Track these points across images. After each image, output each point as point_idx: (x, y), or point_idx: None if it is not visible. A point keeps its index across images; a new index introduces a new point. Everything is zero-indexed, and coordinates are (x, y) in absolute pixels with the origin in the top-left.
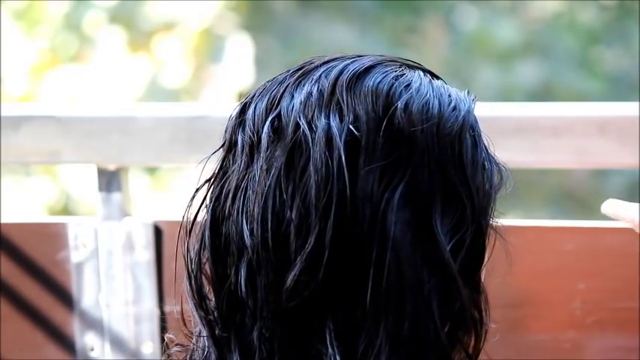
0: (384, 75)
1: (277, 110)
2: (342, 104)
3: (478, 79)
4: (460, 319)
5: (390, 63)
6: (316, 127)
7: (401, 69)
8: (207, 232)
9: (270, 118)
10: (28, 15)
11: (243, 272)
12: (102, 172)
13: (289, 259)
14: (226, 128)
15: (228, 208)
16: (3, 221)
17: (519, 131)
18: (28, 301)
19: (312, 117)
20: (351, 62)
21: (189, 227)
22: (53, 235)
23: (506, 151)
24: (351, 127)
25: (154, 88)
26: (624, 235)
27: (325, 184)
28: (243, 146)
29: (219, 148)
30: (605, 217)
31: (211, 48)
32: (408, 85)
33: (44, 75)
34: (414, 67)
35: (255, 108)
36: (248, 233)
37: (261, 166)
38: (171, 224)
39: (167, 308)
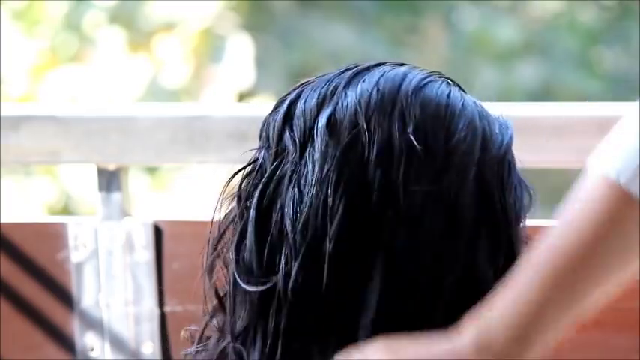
0: (441, 91)
1: (332, 107)
2: (405, 112)
3: (478, 79)
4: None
5: (437, 78)
6: (375, 130)
7: (448, 86)
8: (251, 226)
9: (324, 114)
10: (28, 15)
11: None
12: (102, 172)
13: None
14: (266, 124)
15: (276, 200)
16: (3, 221)
17: (519, 131)
18: (28, 301)
19: (372, 119)
20: (408, 71)
21: (223, 228)
22: (53, 235)
23: None
24: (412, 137)
25: (154, 88)
26: None
27: (380, 189)
28: (293, 141)
29: (260, 148)
30: None
31: (211, 48)
32: (462, 104)
33: (44, 75)
34: (450, 82)
35: (304, 104)
36: (289, 227)
37: (314, 161)
38: (172, 224)
39: (168, 308)
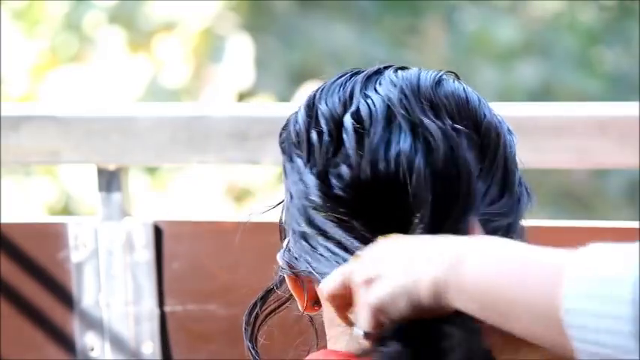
0: (457, 86)
1: (355, 106)
2: (434, 104)
3: (478, 79)
4: None
5: (447, 75)
6: (414, 122)
7: (460, 82)
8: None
9: (350, 113)
10: (28, 15)
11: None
12: (102, 172)
13: None
14: (289, 124)
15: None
16: (3, 221)
17: (519, 131)
18: (28, 301)
19: (407, 112)
20: (419, 71)
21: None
22: (53, 235)
23: None
24: (456, 127)
25: (154, 88)
26: (624, 235)
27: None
28: (329, 134)
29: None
30: (605, 217)
31: (211, 48)
32: (477, 97)
33: (44, 75)
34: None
35: (326, 104)
36: None
37: (354, 153)
38: (172, 224)
39: (167, 308)
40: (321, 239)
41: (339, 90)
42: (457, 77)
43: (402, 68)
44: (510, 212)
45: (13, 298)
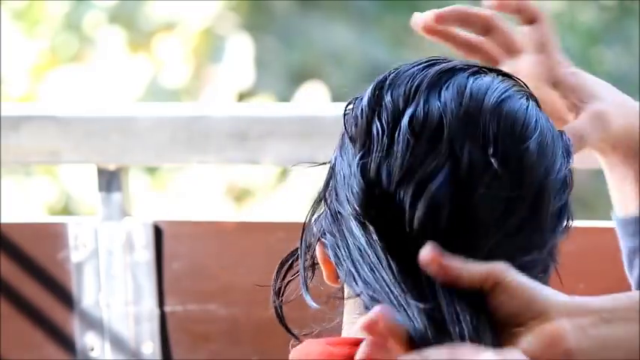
0: (519, 106)
1: (413, 107)
2: (486, 132)
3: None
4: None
5: (517, 90)
6: (455, 146)
7: (527, 100)
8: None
9: (407, 114)
10: (28, 15)
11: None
12: (102, 172)
13: None
14: (349, 115)
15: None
16: (3, 221)
17: None
18: (28, 301)
19: (454, 134)
20: (490, 83)
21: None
22: (53, 235)
23: None
24: (492, 160)
25: (154, 88)
26: None
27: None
28: (383, 131)
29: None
30: (605, 217)
31: (211, 48)
32: (535, 121)
33: (44, 75)
34: (528, 96)
35: (391, 98)
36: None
37: (400, 155)
38: (172, 224)
39: (168, 308)
40: (345, 228)
41: (408, 83)
42: (527, 92)
43: (475, 73)
44: (533, 247)
45: (13, 298)
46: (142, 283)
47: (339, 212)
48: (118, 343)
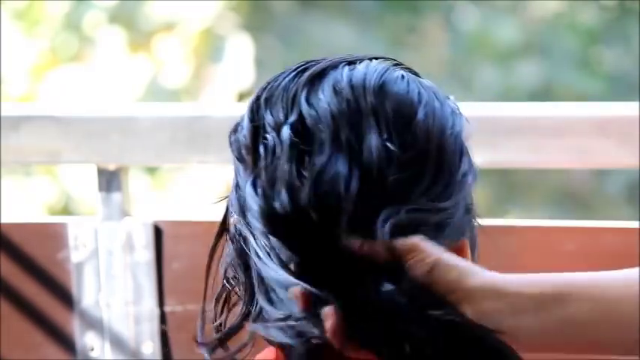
0: (400, 83)
1: (295, 115)
2: (378, 118)
3: (478, 79)
4: None
5: (393, 68)
6: (354, 138)
7: (401, 72)
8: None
9: (290, 121)
10: (28, 15)
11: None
12: (102, 172)
13: None
14: (234, 141)
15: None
16: (3, 221)
17: (519, 131)
18: (28, 301)
19: (347, 129)
20: (365, 69)
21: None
22: (53, 235)
23: (506, 151)
24: (388, 145)
25: (154, 88)
26: (624, 235)
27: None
28: (271, 147)
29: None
30: (606, 217)
31: (211, 48)
32: (419, 93)
33: (44, 75)
34: (401, 66)
35: (271, 115)
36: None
37: (290, 167)
38: (172, 224)
39: (168, 308)
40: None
41: (283, 96)
42: (398, 64)
43: (349, 64)
44: (446, 196)
45: (13, 298)
46: (142, 283)
47: (244, 237)
48: (118, 343)
